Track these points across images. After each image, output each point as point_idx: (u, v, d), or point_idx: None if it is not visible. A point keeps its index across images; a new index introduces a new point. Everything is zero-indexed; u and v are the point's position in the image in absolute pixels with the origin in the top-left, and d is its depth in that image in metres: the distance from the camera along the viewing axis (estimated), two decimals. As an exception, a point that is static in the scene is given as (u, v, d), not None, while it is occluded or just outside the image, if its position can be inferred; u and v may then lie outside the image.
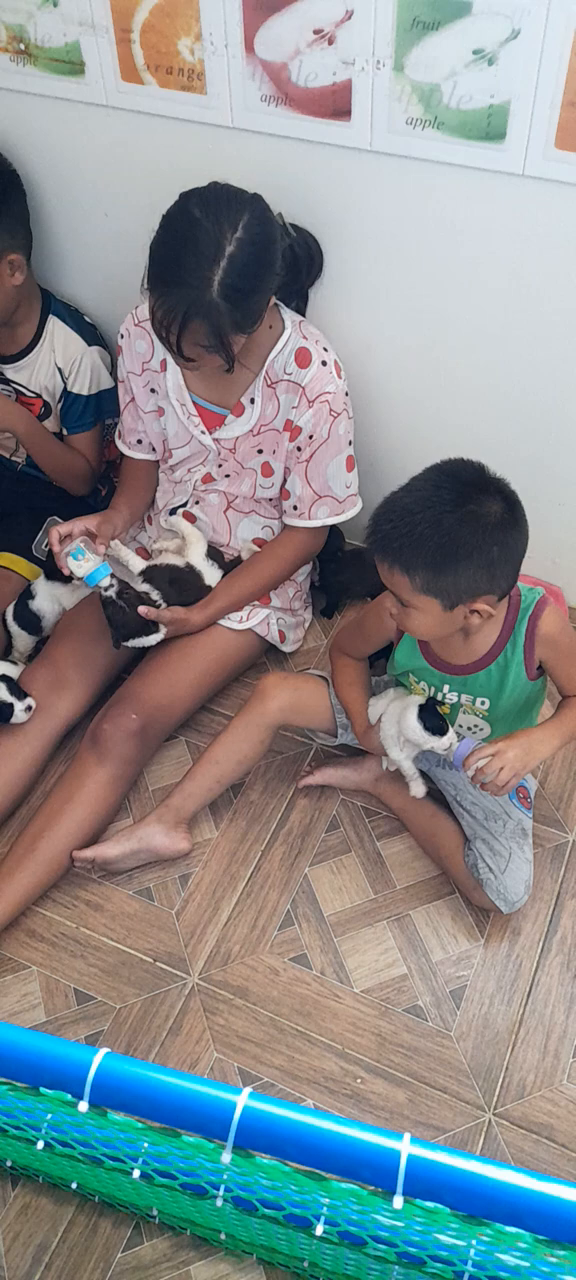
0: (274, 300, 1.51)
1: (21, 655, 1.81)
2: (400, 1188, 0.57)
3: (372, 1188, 0.61)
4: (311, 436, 1.59)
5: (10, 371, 1.82)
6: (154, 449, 1.76)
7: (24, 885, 1.52)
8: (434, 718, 1.44)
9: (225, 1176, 0.78)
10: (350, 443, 1.65)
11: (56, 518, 1.91)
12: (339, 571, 1.90)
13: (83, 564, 1.56)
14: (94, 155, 1.71)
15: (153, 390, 1.68)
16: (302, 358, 1.56)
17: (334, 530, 1.82)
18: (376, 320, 1.68)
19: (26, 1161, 1.22)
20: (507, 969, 1.49)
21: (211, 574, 1.70)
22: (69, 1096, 0.63)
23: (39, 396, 1.84)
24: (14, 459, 1.93)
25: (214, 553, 1.73)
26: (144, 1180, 0.82)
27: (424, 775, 1.57)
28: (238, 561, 1.75)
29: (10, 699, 1.58)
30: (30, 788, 1.68)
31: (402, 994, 1.47)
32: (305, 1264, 1.14)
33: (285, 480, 1.67)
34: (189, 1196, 0.89)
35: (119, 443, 1.79)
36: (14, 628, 1.77)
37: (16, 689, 1.60)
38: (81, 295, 1.90)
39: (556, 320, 1.55)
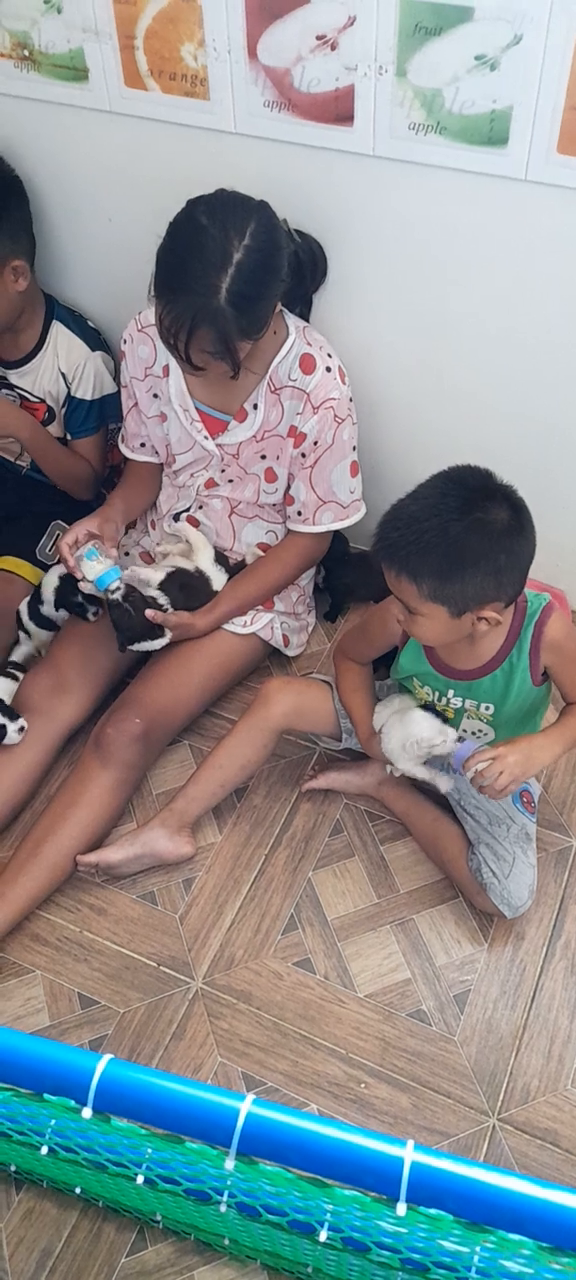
0: (278, 306, 1.51)
1: (42, 647, 1.82)
2: (403, 1194, 0.57)
3: (376, 1194, 0.61)
4: (316, 442, 1.60)
5: (14, 377, 1.83)
6: (157, 452, 1.76)
7: (28, 889, 1.52)
8: (438, 715, 1.44)
9: (229, 1182, 0.78)
10: (354, 448, 1.65)
11: (61, 521, 1.91)
12: (344, 574, 1.91)
13: (95, 566, 1.56)
14: (97, 161, 1.71)
15: (156, 395, 1.68)
16: (307, 364, 1.56)
17: (339, 533, 1.82)
18: (379, 325, 1.68)
19: (30, 1166, 1.22)
20: (511, 973, 1.49)
21: (219, 579, 1.71)
22: (73, 1103, 0.63)
23: (43, 401, 1.84)
24: (18, 463, 1.94)
25: (220, 557, 1.73)
26: (147, 1186, 0.82)
27: (425, 783, 1.56)
28: (242, 565, 1.75)
29: (3, 720, 1.58)
30: (33, 792, 1.68)
31: (406, 998, 1.47)
32: (309, 1269, 1.14)
33: (289, 486, 1.68)
34: (193, 1202, 0.89)
35: (122, 447, 1.79)
36: (31, 626, 1.77)
37: (9, 710, 1.60)
38: (84, 301, 1.91)
39: (559, 324, 1.55)
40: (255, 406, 1.60)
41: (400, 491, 1.32)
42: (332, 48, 1.41)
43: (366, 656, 1.59)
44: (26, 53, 1.62)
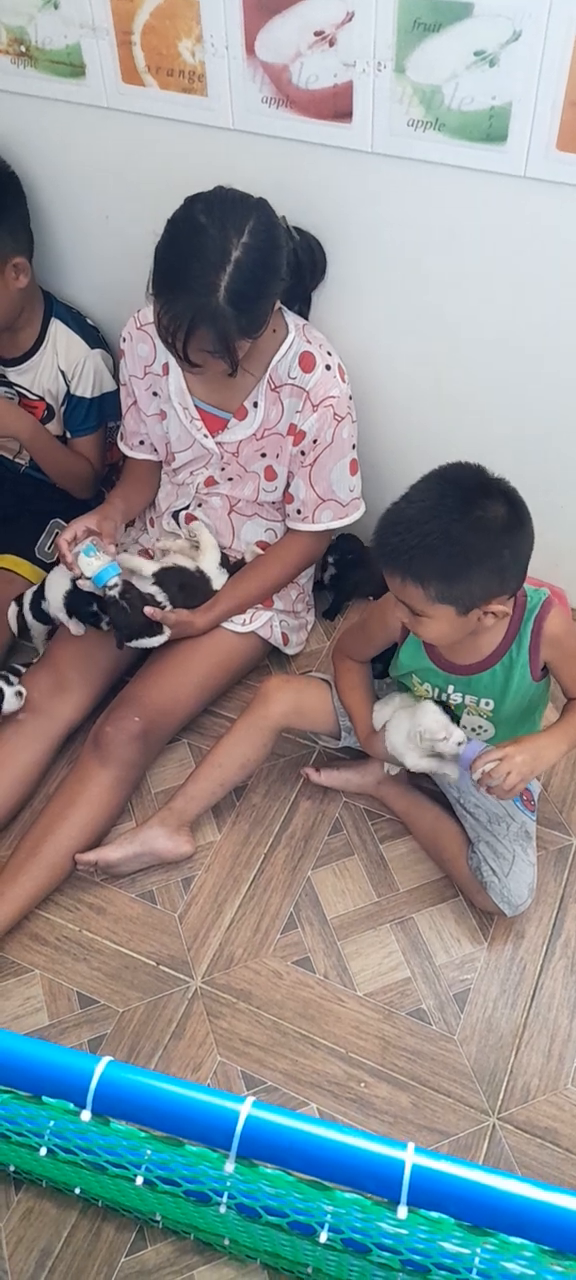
0: (277, 304, 1.50)
1: (38, 640, 1.82)
2: (404, 1198, 0.57)
3: (377, 1197, 0.60)
4: (315, 441, 1.59)
5: (13, 374, 1.82)
6: (156, 450, 1.76)
7: (26, 889, 1.52)
8: (446, 710, 1.43)
9: (228, 1184, 0.77)
10: (353, 446, 1.65)
11: (59, 520, 1.91)
12: (352, 570, 1.90)
13: (93, 562, 1.56)
14: (95, 158, 1.71)
15: (155, 394, 1.67)
16: (307, 362, 1.56)
17: (353, 534, 1.82)
18: (378, 322, 1.68)
19: (29, 1166, 1.22)
20: (511, 972, 1.49)
21: (220, 580, 1.70)
22: (72, 1106, 0.63)
23: (42, 399, 1.84)
24: (17, 461, 1.93)
25: (223, 560, 1.72)
26: (147, 1187, 0.82)
27: (426, 778, 1.56)
28: (241, 564, 1.75)
29: (1, 684, 1.57)
30: (32, 791, 1.68)
31: (406, 997, 1.47)
32: (309, 1269, 1.14)
33: (288, 484, 1.67)
34: (192, 1203, 0.89)
35: (121, 445, 1.79)
36: (30, 620, 1.77)
37: (5, 677, 1.59)
38: (82, 298, 1.90)
39: (557, 320, 1.55)
40: (255, 404, 1.60)
41: (399, 489, 1.32)
42: (331, 44, 1.41)
43: (366, 654, 1.58)
44: (23, 48, 1.62)
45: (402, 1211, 0.56)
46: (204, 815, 1.66)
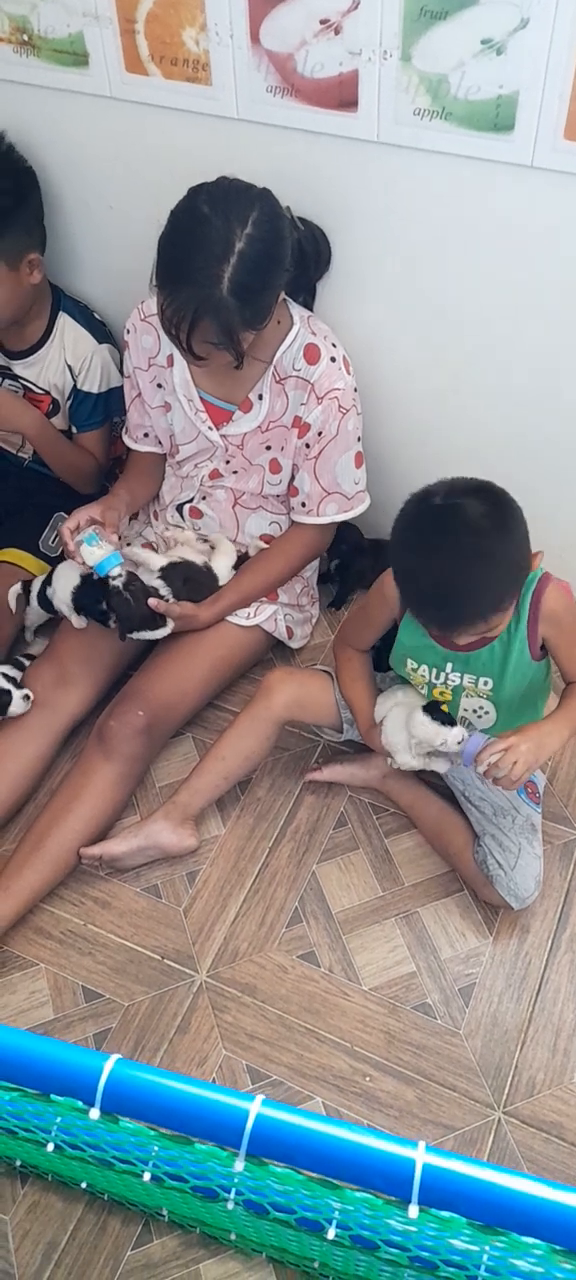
0: (282, 295, 1.49)
1: (29, 629, 1.83)
2: (415, 1197, 0.56)
3: (387, 1196, 0.60)
4: (320, 433, 1.58)
5: (19, 367, 1.82)
6: (160, 442, 1.75)
7: (31, 883, 1.52)
8: (441, 714, 1.43)
9: (236, 1180, 0.77)
10: (358, 439, 1.64)
11: (62, 513, 1.90)
12: (359, 561, 1.90)
13: (95, 551, 1.55)
14: (98, 147, 1.69)
15: (159, 385, 1.67)
16: (311, 354, 1.55)
17: (352, 524, 1.81)
18: (383, 313, 1.67)
19: (36, 1161, 1.22)
20: (516, 966, 1.49)
21: (228, 578, 1.70)
22: (80, 1104, 0.63)
23: (47, 394, 1.83)
24: (20, 454, 1.92)
25: (236, 563, 1.71)
26: (154, 1183, 0.82)
27: (432, 771, 1.56)
28: (246, 556, 1.74)
29: (7, 685, 1.57)
30: (36, 785, 1.68)
31: (411, 991, 1.46)
32: (316, 1264, 1.14)
33: (293, 477, 1.66)
34: (199, 1199, 0.88)
35: (125, 437, 1.78)
36: (34, 604, 1.76)
37: (13, 679, 1.59)
38: (86, 288, 1.89)
39: (565, 312, 1.53)
40: (260, 397, 1.59)
41: (404, 481, 1.31)
42: (336, 32, 1.39)
43: (367, 639, 1.58)
44: (26, 37, 1.60)
45: (414, 1211, 0.56)
46: (208, 809, 1.65)
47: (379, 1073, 1.39)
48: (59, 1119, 0.80)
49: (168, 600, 1.61)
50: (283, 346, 1.55)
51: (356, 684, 1.58)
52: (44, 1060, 0.66)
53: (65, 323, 1.79)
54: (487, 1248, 0.70)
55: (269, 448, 1.64)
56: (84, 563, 1.57)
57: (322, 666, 1.71)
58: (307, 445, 1.60)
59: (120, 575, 1.56)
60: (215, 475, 1.71)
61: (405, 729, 1.46)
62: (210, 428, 1.64)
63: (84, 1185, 1.25)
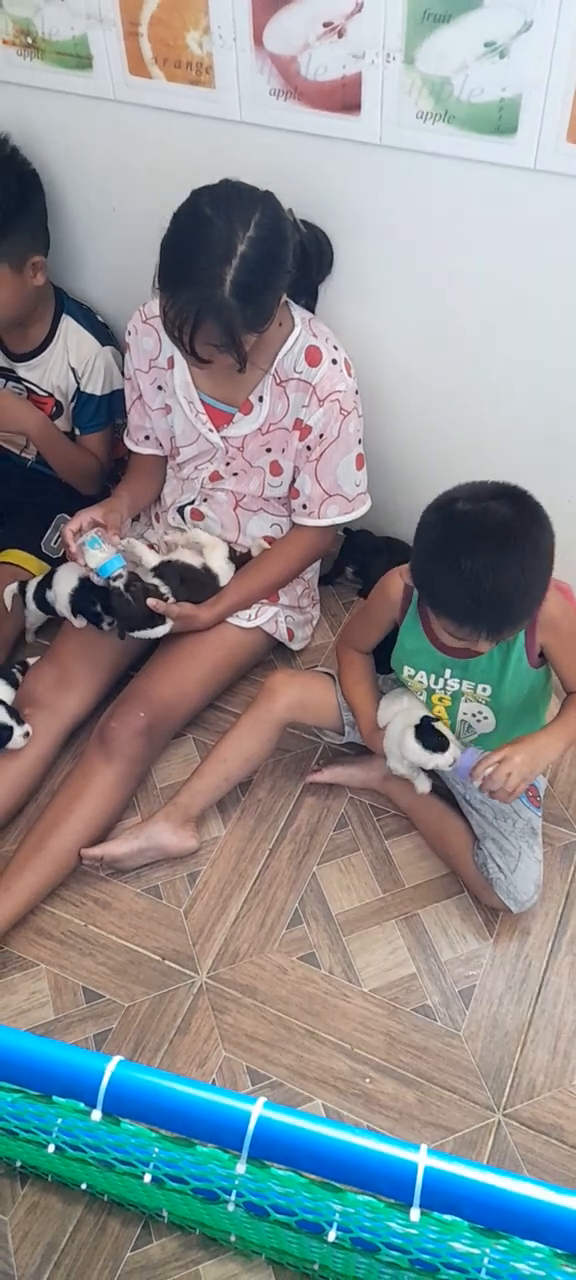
0: (284, 297, 1.50)
1: (29, 630, 1.83)
2: (417, 1200, 0.57)
3: (388, 1199, 0.60)
4: (321, 435, 1.58)
5: (22, 369, 1.82)
6: (161, 445, 1.75)
7: (32, 883, 1.52)
8: (433, 736, 1.43)
9: (237, 1182, 0.77)
10: (359, 441, 1.64)
11: (65, 515, 1.90)
12: (375, 560, 1.89)
13: (97, 554, 1.56)
14: (101, 150, 1.70)
15: (160, 388, 1.67)
16: (313, 356, 1.55)
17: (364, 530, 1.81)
18: (385, 316, 1.67)
19: (36, 1162, 1.22)
20: (517, 969, 1.49)
21: (229, 576, 1.70)
22: (82, 1105, 0.63)
23: (51, 396, 1.83)
24: (24, 455, 1.93)
25: (232, 555, 1.71)
26: (155, 1184, 0.82)
27: (432, 774, 1.56)
28: (248, 557, 1.74)
29: (10, 721, 1.57)
30: (37, 786, 1.68)
31: (411, 993, 1.46)
32: (315, 1266, 1.14)
33: (294, 479, 1.67)
34: (200, 1200, 0.88)
35: (126, 439, 1.78)
36: (32, 606, 1.77)
37: (14, 712, 1.60)
38: (88, 290, 1.89)
39: (567, 314, 1.54)
40: (261, 399, 1.59)
41: (406, 483, 1.31)
42: (340, 35, 1.39)
43: (370, 640, 1.58)
44: (30, 40, 1.61)
45: (415, 1214, 0.56)
46: (209, 810, 1.65)
47: (379, 1074, 1.39)
48: (60, 1120, 0.80)
49: (167, 599, 1.62)
50: (284, 349, 1.55)
51: (359, 686, 1.58)
52: (46, 1062, 0.66)
53: (68, 325, 1.79)
54: (488, 1251, 0.70)
55: (269, 450, 1.64)
56: (86, 565, 1.57)
57: (324, 669, 1.72)
58: (309, 447, 1.60)
59: (122, 576, 1.56)
60: (216, 477, 1.71)
61: (399, 746, 1.47)
62: (211, 430, 1.64)
63: (84, 1186, 1.25)
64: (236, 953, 1.51)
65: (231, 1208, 0.80)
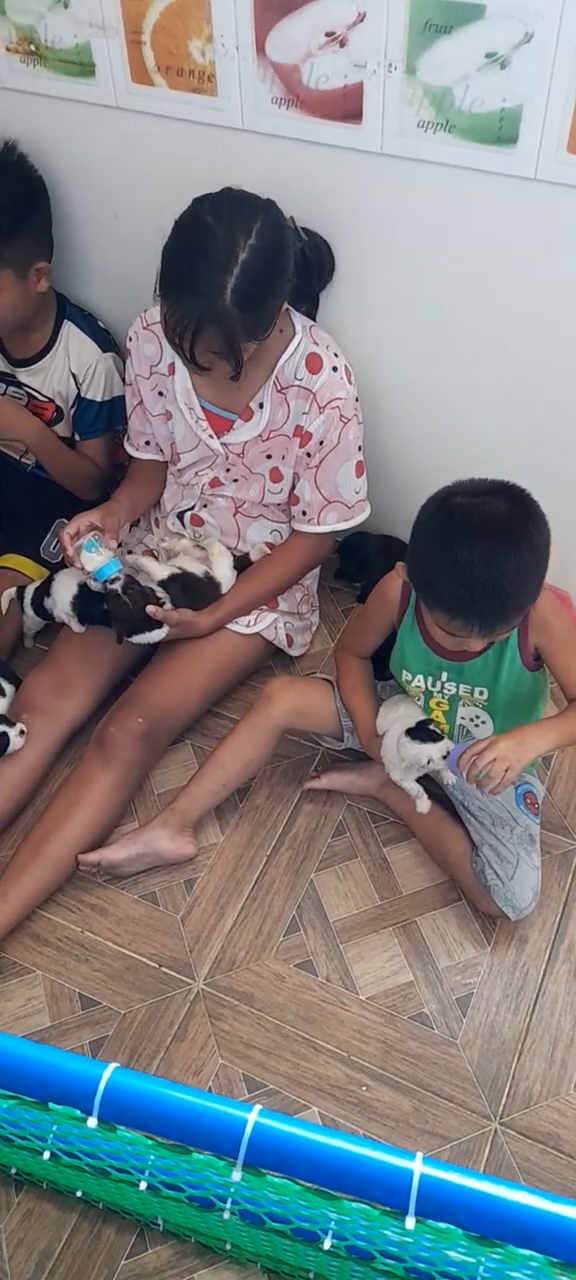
0: (285, 305, 1.50)
1: (27, 635, 1.84)
2: (412, 1208, 0.56)
3: (384, 1207, 0.60)
4: (322, 442, 1.59)
5: (23, 375, 1.82)
6: (161, 450, 1.75)
7: (29, 889, 1.51)
8: (427, 734, 1.43)
9: (232, 1190, 0.77)
10: (359, 448, 1.64)
11: (64, 519, 1.90)
12: (377, 561, 1.90)
13: (95, 557, 1.56)
14: (104, 157, 1.70)
15: (161, 394, 1.67)
16: (313, 363, 1.55)
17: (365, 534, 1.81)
18: (386, 324, 1.67)
19: (31, 1169, 1.22)
20: (514, 977, 1.48)
21: (231, 584, 1.70)
22: (78, 1112, 0.63)
23: (51, 401, 1.83)
24: (23, 461, 1.93)
25: (236, 562, 1.71)
26: (150, 1192, 0.82)
27: (431, 780, 1.56)
28: (246, 559, 1.74)
29: (4, 728, 1.57)
30: (35, 791, 1.67)
31: (408, 1001, 1.46)
32: (311, 1275, 1.13)
33: (294, 485, 1.67)
34: (195, 1208, 0.88)
35: (127, 445, 1.78)
36: (29, 612, 1.77)
37: (6, 719, 1.59)
38: (90, 297, 1.90)
39: (567, 325, 1.54)
40: (261, 406, 1.60)
41: (406, 490, 1.31)
42: (342, 44, 1.40)
43: (369, 645, 1.58)
44: (33, 47, 1.61)
45: (411, 1222, 0.56)
46: (207, 816, 1.65)
47: (375, 1082, 1.39)
48: (55, 1127, 0.79)
49: (165, 604, 1.62)
50: (284, 356, 1.56)
51: (357, 693, 1.58)
52: (43, 1068, 0.66)
53: (70, 331, 1.80)
54: (484, 1259, 0.70)
55: (270, 456, 1.64)
56: (83, 568, 1.57)
57: (323, 675, 1.72)
58: (309, 454, 1.61)
59: (119, 580, 1.56)
60: (216, 483, 1.71)
61: (397, 750, 1.47)
62: (211, 436, 1.64)
63: (79, 1194, 1.24)
64: (233, 960, 1.51)
65: (227, 1215, 0.80)
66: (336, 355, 1.58)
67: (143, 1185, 0.78)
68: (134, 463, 1.79)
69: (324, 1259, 0.97)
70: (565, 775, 1.71)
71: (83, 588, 1.65)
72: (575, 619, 1.42)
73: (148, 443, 1.75)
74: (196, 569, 1.68)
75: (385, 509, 1.80)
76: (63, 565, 1.71)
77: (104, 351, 1.81)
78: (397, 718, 1.49)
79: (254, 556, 1.75)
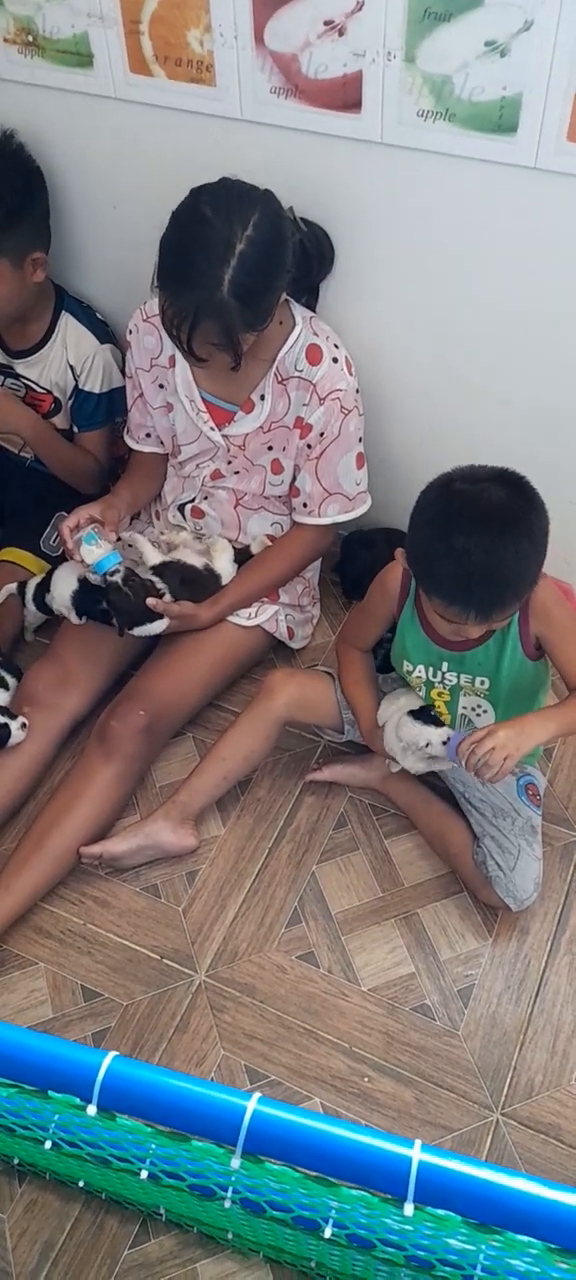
0: (284, 296, 1.50)
1: (28, 629, 1.84)
2: (411, 1195, 0.56)
3: (383, 1194, 0.60)
4: (322, 434, 1.59)
5: (20, 366, 1.82)
6: (162, 443, 1.75)
7: (31, 881, 1.52)
8: (427, 717, 1.44)
9: (233, 1179, 0.77)
10: (360, 439, 1.64)
11: (64, 513, 1.90)
12: (373, 557, 1.89)
13: (94, 550, 1.56)
14: (102, 148, 1.70)
15: (161, 386, 1.67)
16: (313, 354, 1.55)
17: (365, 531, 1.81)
18: (386, 314, 1.67)
19: (34, 1159, 1.22)
20: (516, 968, 1.48)
21: (232, 577, 1.70)
22: (78, 1100, 0.63)
23: (49, 393, 1.83)
24: (23, 454, 1.93)
25: (237, 555, 1.71)
26: (151, 1181, 0.82)
27: (433, 773, 1.56)
28: (247, 551, 1.74)
29: (5, 720, 1.57)
30: (37, 784, 1.68)
31: (410, 993, 1.46)
32: (312, 1264, 1.14)
33: (295, 477, 1.67)
34: (196, 1198, 0.88)
35: (127, 438, 1.78)
36: (31, 607, 1.77)
37: (7, 710, 1.60)
38: (89, 288, 1.89)
39: (568, 314, 1.54)
40: (262, 397, 1.59)
41: (407, 482, 1.31)
42: (341, 33, 1.39)
43: (370, 637, 1.58)
44: (31, 38, 1.61)
45: (409, 1209, 0.56)
46: (208, 809, 1.65)
47: (377, 1074, 1.39)
48: (57, 1116, 0.80)
49: (165, 596, 1.61)
50: (285, 347, 1.55)
51: (358, 685, 1.58)
52: (42, 1056, 0.66)
53: (68, 322, 1.79)
54: (484, 1247, 0.70)
55: (271, 448, 1.64)
56: (83, 561, 1.57)
57: (324, 667, 1.72)
58: (309, 446, 1.60)
59: (119, 572, 1.56)
60: (217, 476, 1.71)
61: (398, 737, 1.47)
62: (212, 428, 1.64)
63: (81, 1184, 1.25)
64: (235, 951, 1.51)
65: (228, 1204, 0.80)
66: (337, 346, 1.58)
67: (144, 1174, 0.78)
68: (134, 455, 1.79)
69: (325, 1247, 0.97)
70: (566, 767, 1.71)
71: (82, 583, 1.65)
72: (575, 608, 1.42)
73: (148, 435, 1.75)
74: (196, 561, 1.68)
75: (386, 500, 1.80)
76: (63, 559, 1.71)
77: (102, 343, 1.81)
78: (398, 709, 1.49)
79: (255, 549, 1.75)
